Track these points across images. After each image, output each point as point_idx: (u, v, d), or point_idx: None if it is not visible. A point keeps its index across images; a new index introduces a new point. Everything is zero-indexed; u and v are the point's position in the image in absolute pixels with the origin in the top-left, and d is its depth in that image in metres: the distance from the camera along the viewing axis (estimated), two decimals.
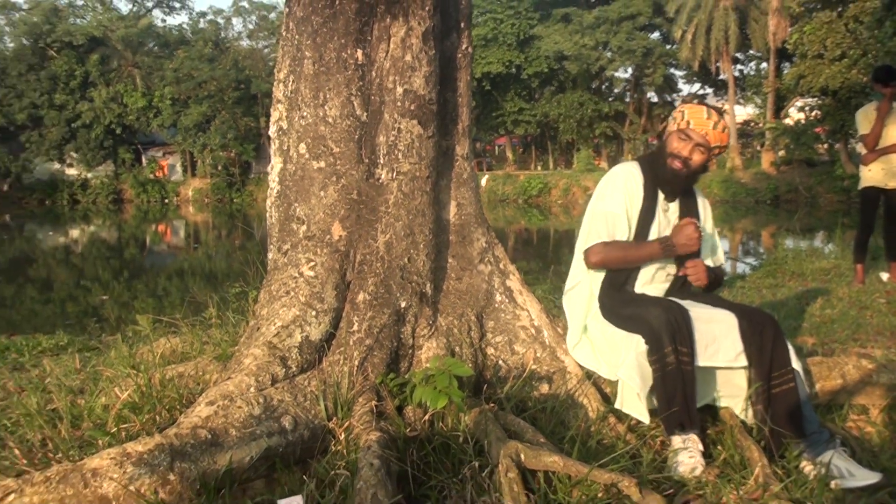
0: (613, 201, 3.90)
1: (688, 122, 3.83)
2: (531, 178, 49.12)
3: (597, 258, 3.89)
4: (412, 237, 3.90)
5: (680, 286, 4.01)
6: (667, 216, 3.98)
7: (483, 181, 49.57)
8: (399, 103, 3.86)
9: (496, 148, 69.82)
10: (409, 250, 3.89)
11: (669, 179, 3.90)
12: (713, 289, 4.06)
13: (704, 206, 4.14)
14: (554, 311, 4.66)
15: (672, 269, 4.01)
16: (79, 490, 2.86)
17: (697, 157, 3.85)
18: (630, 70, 55.17)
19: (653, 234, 3.92)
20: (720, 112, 3.96)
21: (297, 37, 4.00)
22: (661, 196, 3.97)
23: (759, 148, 52.66)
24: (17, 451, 3.42)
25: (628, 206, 3.90)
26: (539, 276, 10.31)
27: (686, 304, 3.75)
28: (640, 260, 3.86)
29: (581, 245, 4.00)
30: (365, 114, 3.92)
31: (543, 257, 18.96)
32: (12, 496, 2.84)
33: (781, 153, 44.24)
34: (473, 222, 4.26)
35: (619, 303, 3.84)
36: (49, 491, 2.85)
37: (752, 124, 54.69)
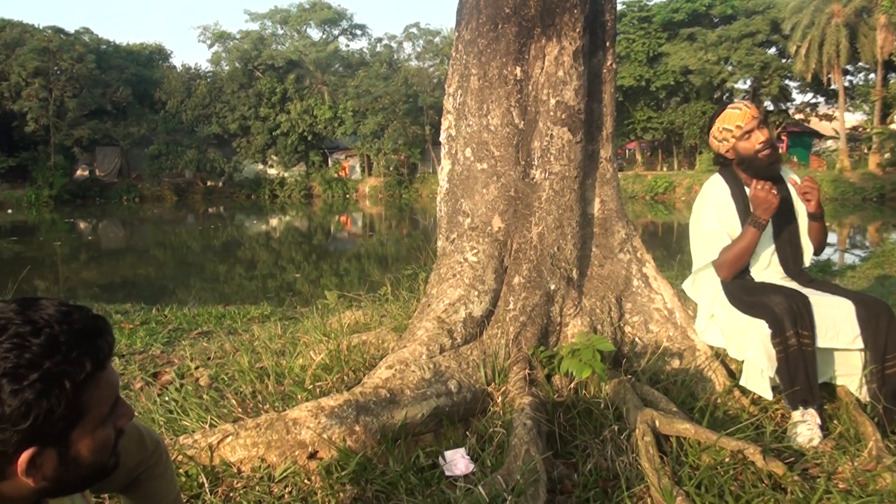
0: (709, 220, 3.81)
1: (738, 126, 3.68)
2: (658, 178, 47.88)
3: (724, 272, 3.79)
4: (561, 229, 3.84)
5: (798, 272, 3.81)
6: None
7: None
8: (552, 113, 3.80)
9: (627, 151, 68.33)
10: (559, 240, 3.84)
11: (767, 167, 3.74)
12: (819, 217, 3.83)
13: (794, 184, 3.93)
14: (684, 295, 4.53)
15: (775, 252, 3.81)
16: (282, 436, 2.96)
17: (764, 133, 3.68)
18: (748, 82, 53.05)
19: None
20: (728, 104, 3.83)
21: (464, 56, 4.00)
22: (748, 192, 3.79)
23: (866, 151, 49.95)
24: (233, 401, 3.57)
25: (724, 219, 3.78)
26: (664, 264, 10.04)
27: (806, 291, 3.57)
28: (748, 244, 3.70)
29: (696, 264, 3.88)
30: (522, 122, 3.89)
31: (668, 248, 18.45)
32: (230, 438, 2.97)
33: (887, 155, 42.49)
34: (614, 216, 4.17)
35: (743, 290, 3.68)
36: (259, 435, 2.96)
37: (860, 129, 51.81)
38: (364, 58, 63.01)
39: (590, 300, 3.95)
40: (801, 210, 3.86)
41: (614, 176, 4.24)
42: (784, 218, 3.82)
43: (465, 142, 3.97)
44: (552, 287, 3.79)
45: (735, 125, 3.70)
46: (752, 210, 3.67)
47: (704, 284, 3.93)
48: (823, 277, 8.37)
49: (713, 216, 3.78)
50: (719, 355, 3.81)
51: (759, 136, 3.68)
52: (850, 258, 13.33)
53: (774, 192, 3.56)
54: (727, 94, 55.45)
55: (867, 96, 47.01)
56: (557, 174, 3.83)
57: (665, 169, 57.19)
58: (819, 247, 3.90)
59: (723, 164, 3.87)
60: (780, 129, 53.65)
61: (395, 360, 3.38)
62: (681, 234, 23.77)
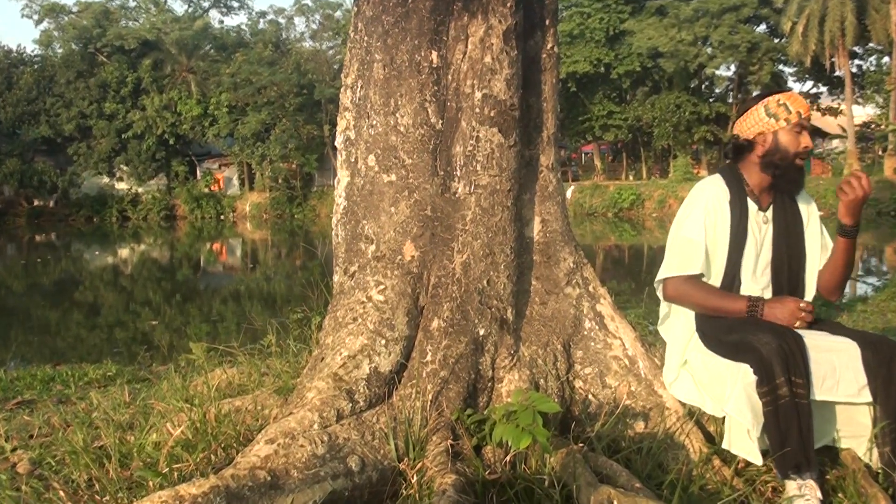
0: (694, 226, 3.90)
1: (799, 113, 3.83)
2: (622, 189, 48.82)
3: (673, 292, 3.95)
4: (492, 257, 3.90)
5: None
6: (763, 230, 3.93)
7: (568, 193, 49.38)
8: (478, 109, 3.87)
9: (583, 156, 69.51)
10: (489, 272, 3.89)
11: (798, 179, 3.93)
12: (850, 233, 3.95)
13: (808, 207, 4.08)
14: (650, 338, 4.61)
15: (769, 286, 3.97)
16: None
17: (809, 141, 3.89)
18: (733, 67, 54.54)
19: (748, 255, 3.89)
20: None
21: (366, 38, 4.04)
22: (752, 208, 3.92)
23: (880, 153, 51.54)
24: (61, 493, 3.49)
25: (712, 229, 3.89)
26: (632, 300, 10.22)
27: (801, 330, 3.68)
28: (719, 313, 3.84)
29: (661, 273, 4.00)
30: (440, 122, 3.94)
31: (636, 278, 18.76)
32: None
33: None
34: (559, 240, 4.25)
35: (721, 329, 3.77)
36: None
37: (873, 126, 53.51)
38: (243, 37, 62.78)
39: (530, 348, 4.00)
40: (813, 242, 4.02)
41: (558, 189, 4.32)
42: (789, 247, 3.97)
43: (368, 147, 4.01)
44: (481, 332, 3.83)
45: (798, 109, 3.86)
46: (769, 303, 3.81)
47: (676, 323, 4.03)
48: (826, 314, 8.61)
49: (699, 222, 3.89)
50: (694, 414, 3.89)
51: (807, 140, 3.86)
52: (861, 288, 13.75)
53: (807, 314, 3.74)
54: (706, 83, 56.89)
55: (880, 85, 48.19)
56: (486, 187, 3.89)
57: (631, 178, 58.30)
58: (837, 285, 4.01)
59: (736, 155, 4.01)
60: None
61: (279, 432, 3.35)
62: (653, 261, 24.18)
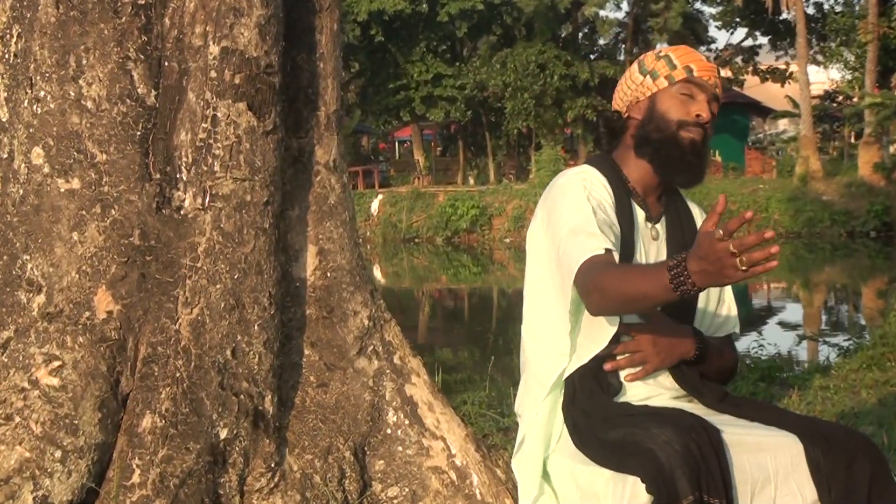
0: (580, 209, 3.82)
1: (688, 68, 3.92)
2: (458, 199, 48.89)
3: (597, 297, 3.71)
4: (239, 312, 3.91)
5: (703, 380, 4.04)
6: (653, 249, 4.00)
7: (374, 205, 49.46)
8: (214, 73, 3.88)
9: (396, 146, 70.09)
10: (234, 336, 3.90)
11: (688, 160, 3.92)
12: (723, 380, 4.11)
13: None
14: (497, 436, 4.67)
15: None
16: None
17: (711, 111, 3.96)
18: (625, 6, 55.90)
19: None
20: None
21: None
22: (640, 216, 3.99)
23: (851, 139, 53.24)
24: None
25: (602, 214, 3.90)
26: (475, 375, 10.32)
27: (718, 419, 3.77)
28: (642, 294, 3.77)
29: (565, 279, 3.91)
30: (153, 93, 3.95)
31: (480, 341, 18.81)
32: None
33: (894, 148, 44.69)
34: (347, 283, 4.29)
35: (599, 421, 3.82)
36: None
37: (841, 99, 55.22)
38: None
39: (301, 457, 4.02)
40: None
41: (345, 200, 4.37)
42: None
43: (32, 135, 3.95)
44: (223, 433, 3.84)
45: (687, 64, 3.92)
46: (691, 253, 3.71)
47: (533, 406, 4.02)
48: (764, 391, 8.88)
49: (585, 205, 3.88)
50: None
51: (704, 109, 3.91)
52: (823, 352, 14.22)
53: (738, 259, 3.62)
54: (586, 31, 58.01)
55: (850, 35, 49.44)
56: (229, 199, 3.91)
57: (472, 181, 58.79)
58: (722, 373, 4.16)
59: (609, 140, 4.08)
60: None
61: None
62: (506, 313, 24.35)
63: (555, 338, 3.86)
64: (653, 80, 3.92)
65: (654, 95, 3.92)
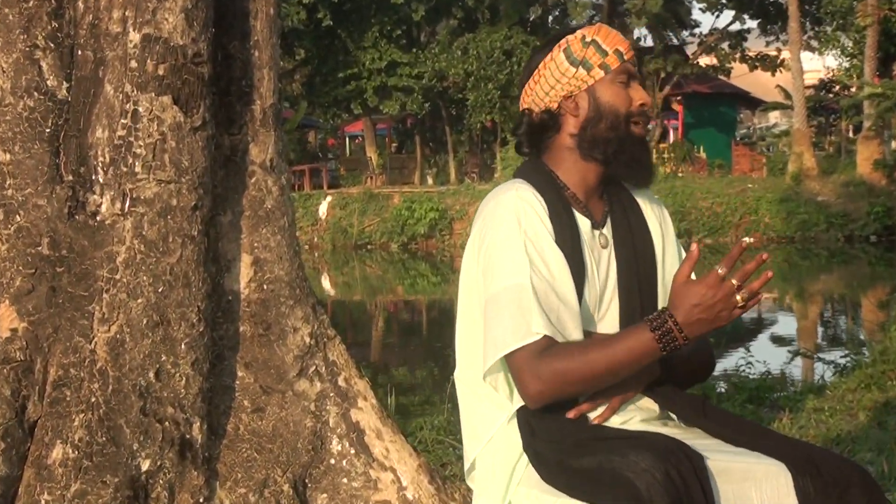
0: (514, 262, 3.81)
1: (618, 52, 3.89)
2: (415, 201, 48.88)
3: (539, 385, 3.73)
4: (164, 329, 3.89)
5: (681, 396, 4.01)
6: (604, 258, 3.96)
7: (322, 208, 49.36)
8: (134, 63, 3.86)
9: (347, 142, 70.06)
10: (159, 356, 3.88)
11: (642, 157, 3.91)
12: (700, 378, 4.09)
13: (661, 217, 4.14)
14: (456, 465, 4.67)
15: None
16: None
17: (645, 95, 3.94)
18: None
19: (589, 298, 3.84)
20: None
21: None
22: (583, 224, 3.93)
23: (849, 134, 53.44)
24: None
25: (540, 259, 3.80)
26: (434, 396, 10.30)
27: (700, 444, 3.76)
28: (619, 366, 3.75)
29: (487, 359, 3.86)
30: (65, 85, 3.92)
31: (439, 359, 18.72)
32: None
33: None
34: (286, 296, 4.27)
35: (569, 448, 3.80)
36: None
37: (838, 89, 55.45)
38: None
39: (234, 491, 4.01)
40: (672, 265, 4.07)
41: (283, 204, 4.35)
42: (640, 282, 4.02)
43: None
44: (145, 465, 3.81)
45: (616, 47, 3.89)
46: (675, 301, 3.71)
47: (483, 432, 3.99)
48: (752, 413, 8.89)
49: (521, 254, 3.82)
50: None
51: (642, 94, 3.89)
52: (819, 369, 14.21)
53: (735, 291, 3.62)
54: (557, 13, 58.13)
55: (848, 18, 49.58)
56: (152, 203, 3.89)
57: (430, 181, 58.82)
58: (695, 374, 4.15)
59: (534, 144, 4.03)
60: (665, 92, 56.46)
61: None
62: None
63: (491, 390, 3.84)
64: (587, 72, 3.86)
65: (593, 88, 3.86)
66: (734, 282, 3.35)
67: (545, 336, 3.57)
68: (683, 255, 4.05)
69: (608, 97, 3.85)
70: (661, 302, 3.98)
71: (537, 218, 3.79)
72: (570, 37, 3.92)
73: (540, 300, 3.64)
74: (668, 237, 4.12)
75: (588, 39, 3.87)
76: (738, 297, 3.35)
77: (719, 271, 3.41)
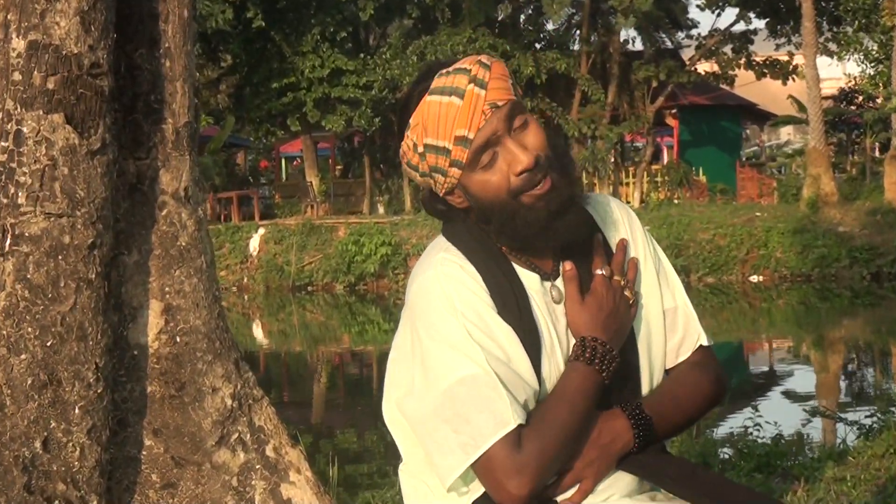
0: (465, 351, 3.82)
1: (459, 137, 3.72)
2: (363, 234, 49.04)
3: (525, 479, 3.71)
4: (54, 390, 3.84)
5: (656, 457, 3.99)
6: (559, 308, 3.92)
7: (253, 242, 49.42)
8: (19, 75, 3.82)
9: (283, 163, 70.20)
10: (47, 421, 3.83)
11: (553, 225, 3.79)
12: (702, 413, 4.07)
13: (632, 234, 4.10)
14: None
15: None
16: None
17: (534, 137, 3.77)
18: None
19: (548, 366, 3.83)
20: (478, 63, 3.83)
21: None
22: (528, 279, 3.88)
23: (874, 153, 53.65)
24: None
25: (486, 339, 3.77)
26: (385, 465, 10.34)
27: None
28: (581, 414, 3.75)
29: (454, 465, 3.83)
30: None
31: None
32: None
33: None
34: (204, 349, 4.23)
35: None
36: None
37: (861, 100, 55.62)
38: None
39: None
40: (654, 310, 4.03)
41: (199, 241, 4.31)
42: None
43: None
44: None
45: (454, 135, 3.76)
46: (574, 326, 3.73)
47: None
48: (761, 484, 8.88)
49: (466, 342, 3.80)
50: None
51: (516, 151, 3.75)
52: (841, 431, 14.27)
53: (622, 292, 3.67)
54: (528, 12, 58.37)
55: (871, 17, 49.90)
56: (39, 241, 3.84)
57: (382, 209, 59.05)
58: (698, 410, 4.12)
59: (448, 219, 3.97)
60: (657, 104, 56.52)
61: None
62: None
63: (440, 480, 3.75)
64: (444, 177, 3.75)
65: (461, 184, 3.74)
66: (618, 278, 3.59)
67: (519, 424, 3.54)
68: (674, 278, 4.05)
69: (476, 190, 3.72)
70: (644, 345, 3.90)
71: (470, 293, 3.73)
72: (402, 148, 3.80)
73: (506, 385, 3.60)
74: (649, 269, 3.99)
75: (422, 143, 3.71)
76: (627, 293, 3.56)
77: (601, 272, 3.66)
